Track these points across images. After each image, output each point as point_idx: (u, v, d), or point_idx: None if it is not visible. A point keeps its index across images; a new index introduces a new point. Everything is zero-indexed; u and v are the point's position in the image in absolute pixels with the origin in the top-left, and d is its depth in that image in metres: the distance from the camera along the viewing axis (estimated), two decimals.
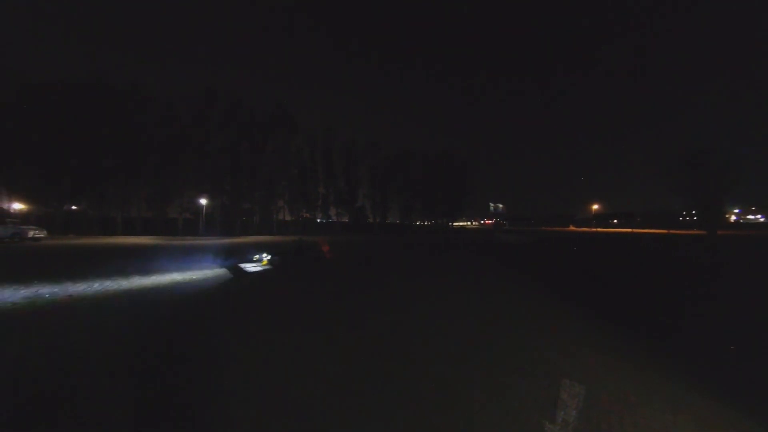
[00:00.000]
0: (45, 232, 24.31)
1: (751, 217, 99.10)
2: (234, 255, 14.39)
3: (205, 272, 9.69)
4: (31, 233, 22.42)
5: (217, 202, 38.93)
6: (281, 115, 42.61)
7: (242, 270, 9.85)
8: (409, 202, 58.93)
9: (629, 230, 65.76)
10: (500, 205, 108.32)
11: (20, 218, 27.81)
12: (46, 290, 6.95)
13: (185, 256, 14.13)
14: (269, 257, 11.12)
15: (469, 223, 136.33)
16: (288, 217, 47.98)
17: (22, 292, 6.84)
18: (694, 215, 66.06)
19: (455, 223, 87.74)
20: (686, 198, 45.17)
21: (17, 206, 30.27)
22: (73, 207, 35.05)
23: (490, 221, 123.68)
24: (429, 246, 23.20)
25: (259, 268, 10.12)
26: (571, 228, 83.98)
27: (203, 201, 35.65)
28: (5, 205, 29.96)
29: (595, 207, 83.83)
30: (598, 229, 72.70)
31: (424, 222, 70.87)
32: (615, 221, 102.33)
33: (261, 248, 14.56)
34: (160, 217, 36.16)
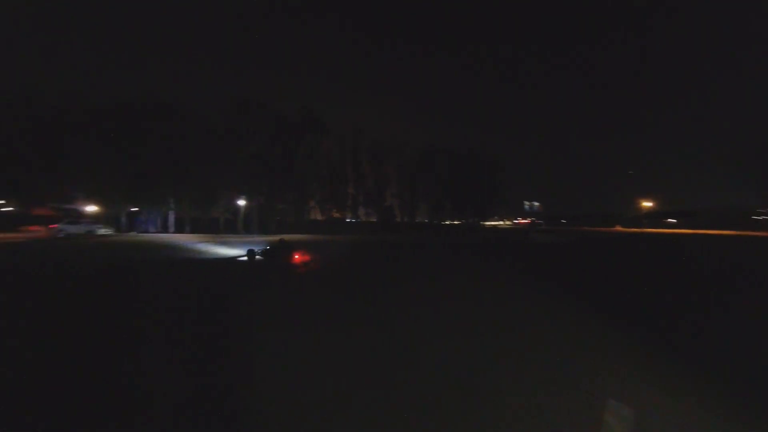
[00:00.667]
0: (112, 230, 28.14)
1: None
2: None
3: (223, 254, 14.65)
4: (101, 231, 26.08)
5: (254, 203, 41.57)
6: (310, 119, 44.32)
7: (236, 258, 13.32)
8: (438, 200, 57.92)
9: (689, 231, 58.40)
10: (536, 203, 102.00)
11: (92, 218, 32.10)
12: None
13: (217, 246, 18.39)
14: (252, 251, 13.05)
15: (502, 222, 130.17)
16: (319, 217, 49.76)
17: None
18: None
19: (487, 223, 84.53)
20: (762, 193, 38.87)
21: (91, 208, 34.98)
22: (133, 209, 39.66)
23: (524, 220, 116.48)
24: (453, 247, 22.74)
25: (245, 259, 12.96)
26: (618, 228, 76.27)
27: (241, 202, 38.38)
28: (80, 207, 34.75)
29: (648, 204, 76.00)
30: (650, 230, 65.74)
31: (453, 221, 69.38)
32: (672, 220, 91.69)
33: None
34: (204, 217, 39.55)
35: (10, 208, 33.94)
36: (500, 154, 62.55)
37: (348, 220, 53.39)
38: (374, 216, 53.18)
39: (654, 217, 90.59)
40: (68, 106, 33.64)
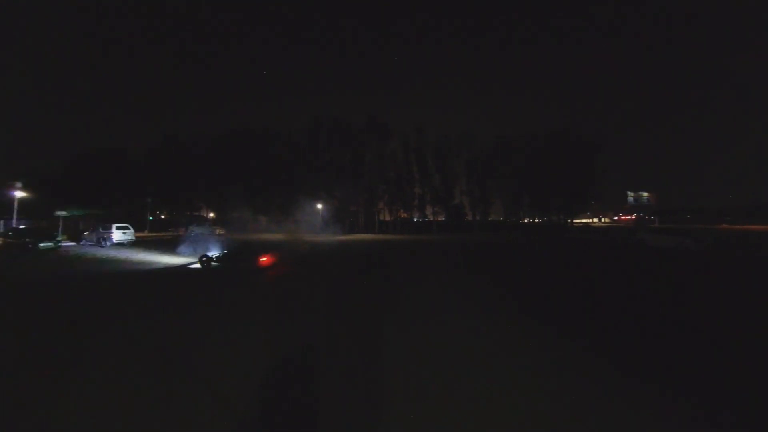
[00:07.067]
0: (224, 230, 35.34)
1: None
2: None
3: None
4: (218, 231, 33.49)
5: (330, 206, 45.86)
6: (374, 125, 46.71)
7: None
8: (515, 196, 52.84)
9: None
10: (644, 194, 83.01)
11: (211, 221, 40.90)
12: None
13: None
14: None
15: (595, 219, 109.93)
16: (388, 218, 51.50)
17: None
18: None
19: (577, 220, 72.89)
20: None
21: (211, 214, 44.44)
22: (236, 214, 48.86)
23: (628, 216, 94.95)
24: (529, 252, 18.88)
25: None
26: None
27: (319, 206, 42.85)
28: (204, 214, 44.64)
29: None
30: None
31: (534, 219, 62.48)
32: None
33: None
34: (288, 219, 45.69)
35: (162, 216, 45.87)
36: (593, 135, 51.68)
37: (416, 219, 53.57)
38: (443, 215, 52.08)
39: None
40: (193, 143, 44.95)
